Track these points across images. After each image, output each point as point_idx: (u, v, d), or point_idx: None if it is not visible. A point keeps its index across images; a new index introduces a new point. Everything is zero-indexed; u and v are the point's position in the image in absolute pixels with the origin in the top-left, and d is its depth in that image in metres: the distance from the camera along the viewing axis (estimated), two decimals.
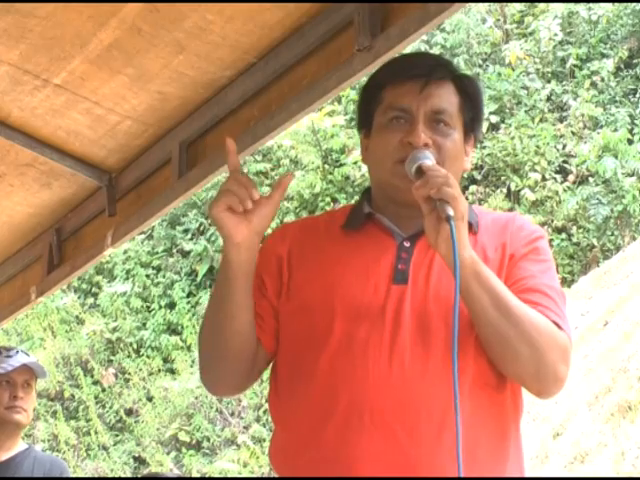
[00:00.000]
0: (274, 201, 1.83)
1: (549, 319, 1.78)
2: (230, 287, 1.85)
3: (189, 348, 13.65)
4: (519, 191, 13.57)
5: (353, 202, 2.06)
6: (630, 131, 13.47)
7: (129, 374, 13.59)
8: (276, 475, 1.91)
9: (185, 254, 14.18)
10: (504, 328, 1.75)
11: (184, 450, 12.56)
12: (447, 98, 1.93)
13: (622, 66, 14.58)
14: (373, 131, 1.95)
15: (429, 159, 1.82)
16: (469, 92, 1.98)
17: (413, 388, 1.75)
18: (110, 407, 13.44)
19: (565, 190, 13.49)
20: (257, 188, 1.82)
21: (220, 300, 1.89)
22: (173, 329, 14.04)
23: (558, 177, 13.70)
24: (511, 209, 13.60)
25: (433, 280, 1.83)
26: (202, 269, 13.78)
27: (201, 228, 14.16)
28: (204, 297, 13.33)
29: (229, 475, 11.71)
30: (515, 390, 1.87)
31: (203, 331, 1.92)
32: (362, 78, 2.51)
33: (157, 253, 14.37)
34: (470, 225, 1.85)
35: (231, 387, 2.02)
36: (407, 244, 1.88)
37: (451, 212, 1.71)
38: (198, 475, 11.94)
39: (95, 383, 13.71)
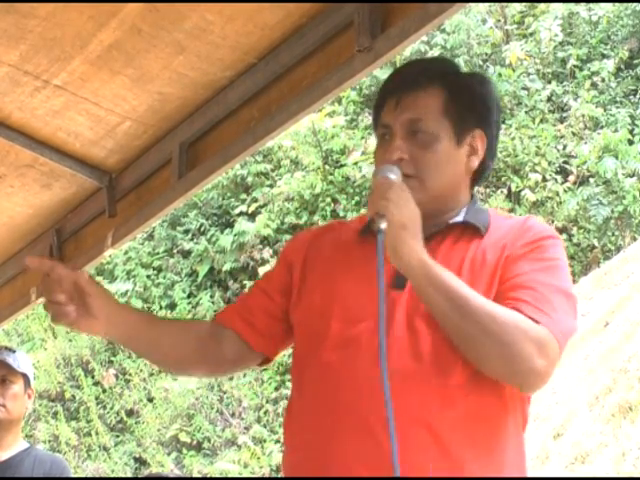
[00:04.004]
0: (91, 286, 1.97)
1: (524, 314, 1.76)
2: (135, 349, 2.08)
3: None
4: (519, 192, 13.57)
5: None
6: (631, 132, 13.46)
7: (130, 375, 13.59)
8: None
9: (186, 255, 14.18)
10: (465, 328, 1.75)
11: (185, 451, 12.56)
12: (424, 106, 1.93)
13: (622, 67, 14.58)
14: None
15: (391, 172, 1.84)
16: (458, 89, 1.95)
17: (396, 392, 1.75)
18: (111, 408, 13.43)
19: (566, 191, 13.49)
20: (61, 292, 1.88)
21: (141, 352, 2.10)
22: None
23: (558, 178, 13.69)
24: (511, 210, 13.60)
25: None
26: (202, 270, 13.78)
27: (202, 229, 14.16)
28: (204, 298, 13.34)
29: (230, 476, 11.71)
30: (516, 396, 1.85)
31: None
32: (362, 78, 2.51)
33: (158, 254, 14.37)
34: (477, 229, 1.89)
35: (207, 372, 2.16)
36: None
37: (382, 225, 1.75)
38: (199, 476, 11.94)
39: (96, 384, 13.70)
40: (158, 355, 2.06)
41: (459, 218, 1.93)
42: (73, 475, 4.13)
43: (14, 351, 4.02)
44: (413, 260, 1.76)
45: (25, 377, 3.97)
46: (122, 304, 2.08)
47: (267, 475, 11.50)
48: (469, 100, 1.96)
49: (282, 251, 2.09)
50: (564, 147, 13.95)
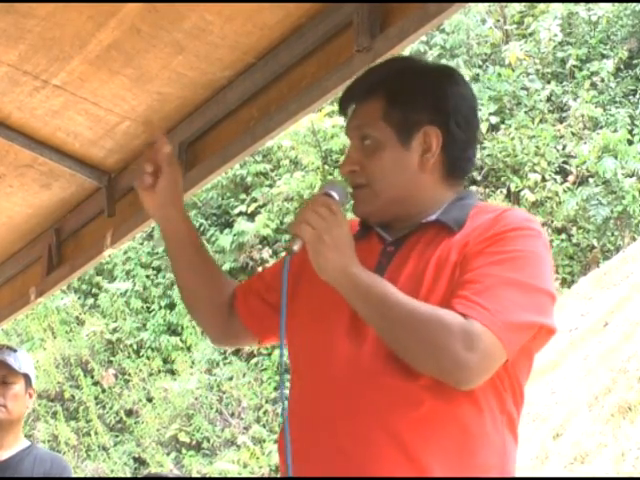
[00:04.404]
0: (168, 171, 2.05)
1: (455, 310, 1.75)
2: (169, 254, 2.14)
3: (189, 349, 13.65)
4: (519, 192, 13.57)
5: None
6: (630, 132, 13.47)
7: (129, 375, 13.59)
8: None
9: None
10: (392, 333, 1.77)
11: (184, 451, 12.56)
12: (368, 112, 1.93)
13: (622, 67, 14.59)
14: None
15: (333, 190, 1.87)
16: (399, 92, 1.93)
17: (362, 393, 1.78)
18: (110, 408, 13.44)
19: (565, 191, 13.50)
20: (152, 162, 2.06)
21: (171, 263, 2.16)
22: (173, 330, 14.04)
23: (558, 178, 13.70)
24: None
25: (398, 287, 1.83)
26: None
27: (201, 228, 14.16)
28: None
29: (229, 476, 11.71)
30: (495, 395, 1.82)
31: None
32: None
33: (157, 253, 14.38)
34: (447, 226, 1.88)
35: (211, 334, 2.22)
36: (390, 249, 1.92)
37: (294, 247, 1.82)
38: (198, 476, 11.94)
39: (95, 384, 13.71)
40: (188, 285, 2.15)
41: (432, 217, 1.91)
42: (74, 475, 4.12)
43: (15, 350, 4.01)
44: (335, 272, 1.80)
45: (26, 377, 3.97)
46: (185, 211, 2.16)
47: (266, 475, 11.50)
48: (412, 99, 1.92)
49: None
50: (563, 147, 13.96)
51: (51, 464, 3.94)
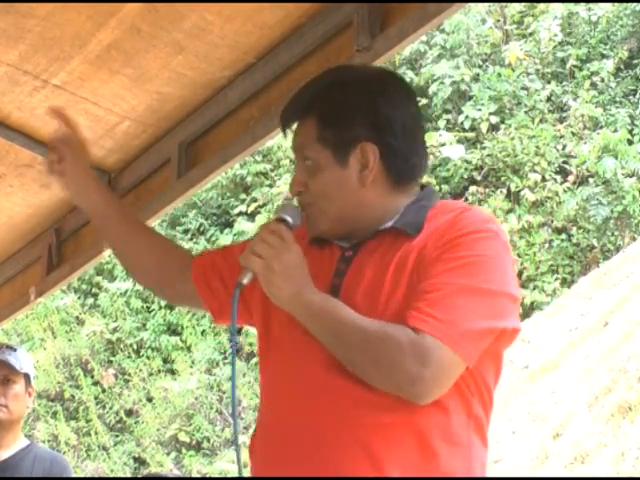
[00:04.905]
0: (69, 154, 2.19)
1: (408, 325, 1.74)
2: (102, 234, 2.28)
3: (189, 349, 13.66)
4: (519, 192, 13.57)
5: None
6: (630, 132, 13.47)
7: (129, 375, 13.60)
8: None
9: None
10: (346, 355, 1.78)
11: (184, 451, 12.57)
12: (305, 133, 1.92)
13: (622, 67, 14.59)
14: None
15: (286, 215, 1.88)
16: (330, 112, 1.90)
17: (328, 402, 1.79)
18: (110, 408, 13.44)
19: (565, 191, 13.50)
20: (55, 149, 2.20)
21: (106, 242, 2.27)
22: (173, 330, 14.04)
23: (558, 178, 13.70)
24: (511, 210, 13.61)
25: (359, 296, 1.84)
26: None
27: (201, 228, 14.17)
28: None
29: (229, 476, 11.71)
30: (462, 399, 1.81)
31: None
32: None
33: None
34: (405, 232, 1.86)
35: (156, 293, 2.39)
36: (349, 254, 1.91)
37: (244, 280, 1.85)
38: (198, 475, 11.95)
39: (95, 384, 13.71)
40: (126, 258, 2.27)
41: (389, 224, 1.89)
42: (74, 474, 4.12)
43: (15, 349, 4.00)
44: (288, 300, 1.81)
45: (26, 376, 3.96)
46: (102, 188, 2.28)
47: None
48: (343, 118, 1.89)
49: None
50: (563, 147, 13.96)
51: (51, 463, 3.93)
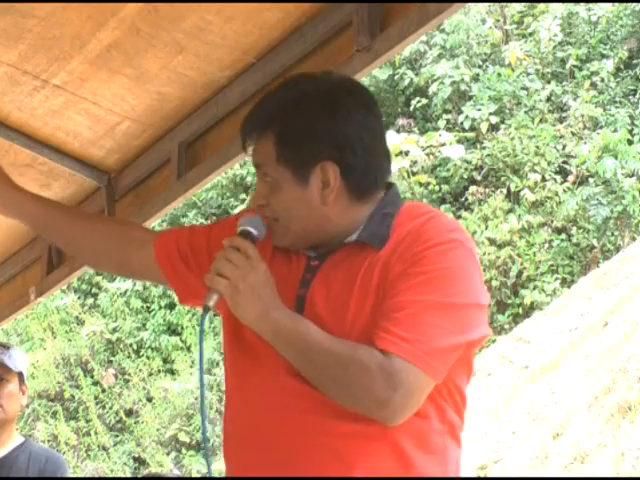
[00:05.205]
0: None
1: (376, 346, 1.73)
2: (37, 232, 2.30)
3: (189, 349, 13.66)
4: (519, 192, 13.58)
5: None
6: (630, 132, 13.48)
7: (129, 375, 13.60)
8: None
9: None
10: (313, 375, 1.77)
11: (184, 451, 12.57)
12: (262, 152, 1.89)
13: (622, 67, 14.60)
14: None
15: (250, 226, 1.85)
16: (289, 132, 1.87)
17: (297, 410, 1.79)
18: (110, 408, 13.44)
19: (565, 191, 13.50)
20: None
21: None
22: (173, 330, 14.05)
23: (558, 178, 13.71)
24: (511, 210, 13.61)
25: (324, 309, 1.82)
26: None
27: None
28: None
29: None
30: (433, 405, 1.80)
31: None
32: (361, 78, 2.51)
33: None
34: (366, 244, 1.84)
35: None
36: (315, 263, 1.89)
37: (209, 302, 1.80)
38: (198, 475, 11.95)
39: (95, 384, 13.71)
40: (70, 247, 2.30)
41: (353, 237, 1.87)
42: (71, 471, 4.11)
43: (8, 348, 3.99)
44: (255, 320, 1.79)
45: (20, 375, 3.96)
46: (28, 194, 2.29)
47: None
48: (301, 138, 1.86)
49: (229, 219, 2.09)
50: (563, 147, 13.97)
51: (46, 461, 3.93)
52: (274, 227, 1.88)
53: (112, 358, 13.92)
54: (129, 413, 13.37)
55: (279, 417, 1.81)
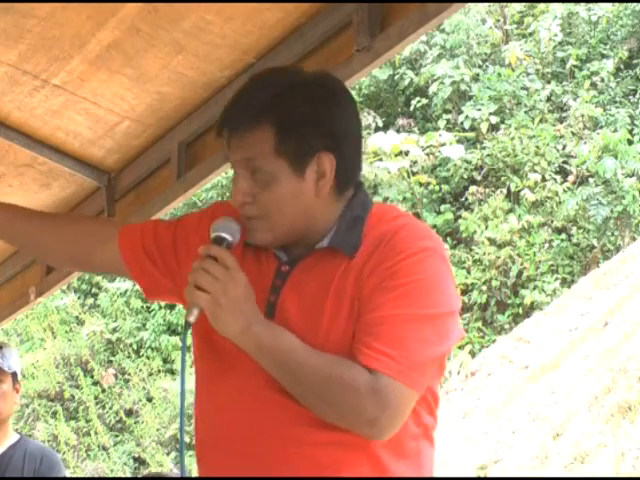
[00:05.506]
0: None
1: (361, 363, 1.71)
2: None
3: (189, 348, 13.63)
4: (519, 192, 13.58)
5: None
6: (630, 132, 13.48)
7: (129, 375, 13.60)
8: None
9: None
10: (298, 392, 1.74)
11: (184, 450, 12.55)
12: (256, 144, 1.80)
13: (622, 66, 14.61)
14: None
15: (224, 232, 1.79)
16: (289, 123, 1.81)
17: (273, 418, 1.77)
18: (110, 408, 13.44)
19: (565, 191, 13.51)
20: None
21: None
22: (173, 329, 14.05)
23: (558, 178, 13.71)
24: (511, 210, 13.61)
25: (295, 316, 1.80)
26: None
27: None
28: None
29: None
30: (414, 409, 1.79)
31: None
32: (361, 78, 2.51)
33: None
34: (339, 252, 1.81)
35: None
36: (285, 268, 1.85)
37: (190, 318, 1.75)
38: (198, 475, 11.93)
39: (95, 384, 13.71)
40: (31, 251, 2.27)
41: (325, 242, 1.83)
42: (71, 470, 4.12)
43: (1, 347, 3.99)
44: (237, 334, 1.75)
45: (13, 374, 3.95)
46: None
47: None
48: (303, 128, 1.82)
49: (193, 215, 2.04)
50: (563, 147, 13.97)
51: (41, 459, 3.93)
52: (255, 225, 1.82)
53: (112, 358, 13.93)
54: (129, 413, 13.37)
55: (254, 424, 1.78)
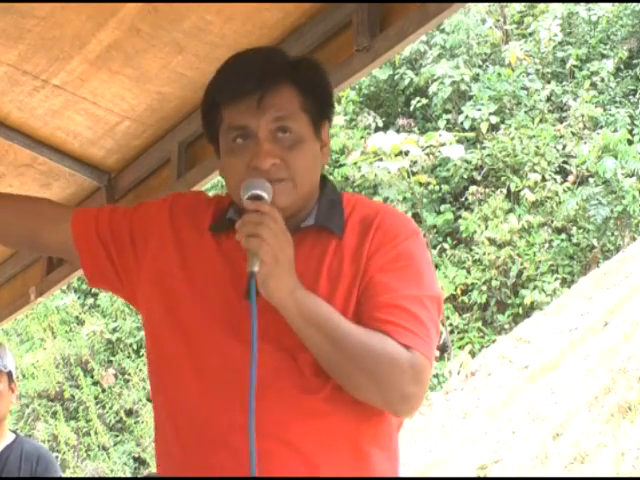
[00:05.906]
0: None
1: (396, 340, 1.72)
2: None
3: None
4: (519, 192, 13.58)
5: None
6: (630, 131, 13.49)
7: (129, 374, 13.60)
8: None
9: None
10: (339, 362, 1.72)
11: None
12: (286, 102, 1.80)
13: (622, 66, 14.61)
14: (221, 153, 1.86)
15: (261, 190, 1.73)
16: (310, 81, 1.83)
17: (258, 406, 1.70)
18: (110, 408, 13.45)
19: (565, 191, 13.51)
20: None
21: None
22: None
23: (558, 178, 13.71)
24: (511, 210, 13.61)
25: None
26: None
27: None
28: None
29: None
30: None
31: None
32: (361, 78, 2.51)
33: None
34: (332, 231, 1.82)
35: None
36: None
37: (254, 267, 1.66)
38: None
39: (95, 384, 13.72)
40: None
41: (311, 221, 1.83)
42: (71, 470, 4.12)
43: None
44: (284, 296, 1.70)
45: (9, 374, 3.95)
46: None
47: None
48: (317, 92, 1.84)
49: (150, 206, 2.00)
50: (563, 147, 13.97)
51: (38, 459, 3.93)
52: (281, 188, 1.77)
53: (112, 358, 13.93)
54: (129, 413, 13.37)
55: (235, 410, 1.73)
